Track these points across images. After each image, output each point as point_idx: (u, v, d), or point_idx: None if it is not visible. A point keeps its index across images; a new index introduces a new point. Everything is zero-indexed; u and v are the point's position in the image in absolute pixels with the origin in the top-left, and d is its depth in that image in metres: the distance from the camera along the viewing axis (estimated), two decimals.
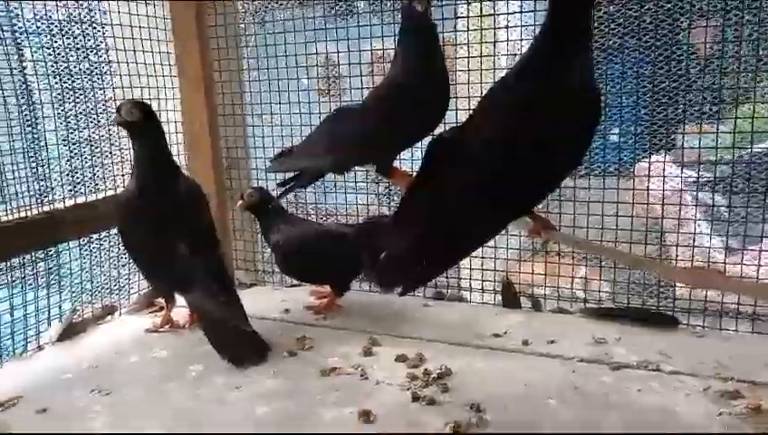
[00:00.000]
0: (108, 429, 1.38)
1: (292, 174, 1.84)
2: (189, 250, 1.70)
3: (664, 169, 1.80)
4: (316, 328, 1.88)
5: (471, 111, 1.43)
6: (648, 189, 1.84)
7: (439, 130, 1.77)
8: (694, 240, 1.78)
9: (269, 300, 2.14)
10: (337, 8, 2.71)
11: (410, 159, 1.98)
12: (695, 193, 2.12)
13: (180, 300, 1.86)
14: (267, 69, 2.22)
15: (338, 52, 2.12)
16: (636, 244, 1.80)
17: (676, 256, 1.86)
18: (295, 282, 2.20)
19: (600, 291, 1.89)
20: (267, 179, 2.27)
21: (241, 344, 1.66)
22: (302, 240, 1.90)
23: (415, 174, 1.67)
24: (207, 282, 1.69)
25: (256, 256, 2.38)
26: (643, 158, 2.33)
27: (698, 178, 2.07)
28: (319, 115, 2.12)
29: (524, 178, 1.27)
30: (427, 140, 1.85)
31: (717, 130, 1.78)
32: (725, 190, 1.85)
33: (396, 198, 2.55)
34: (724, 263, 1.78)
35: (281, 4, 2.65)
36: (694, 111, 2.05)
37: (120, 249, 2.09)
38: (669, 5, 2.00)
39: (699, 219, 1.92)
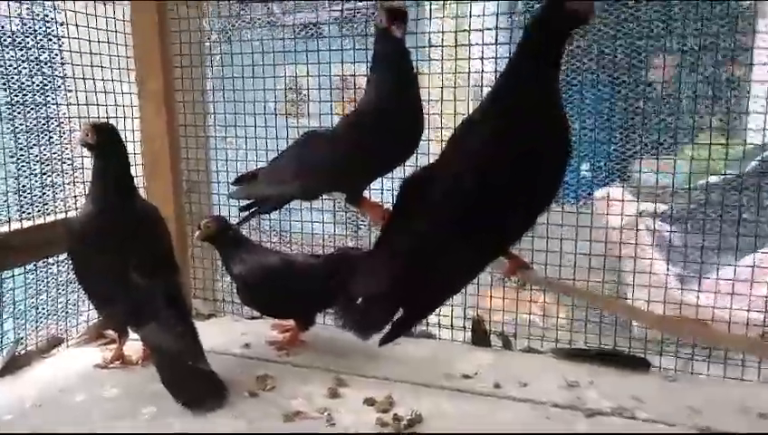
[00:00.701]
0: None
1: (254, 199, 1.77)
2: (145, 279, 1.59)
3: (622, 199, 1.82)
4: (278, 365, 1.79)
5: (442, 144, 1.41)
6: (607, 217, 1.84)
7: (411, 160, 1.75)
8: (651, 270, 1.81)
9: (228, 333, 2.04)
10: (305, 31, 2.67)
11: (381, 190, 1.93)
12: (651, 224, 2.16)
13: (133, 333, 1.74)
14: (233, 90, 2.14)
15: (307, 75, 2.07)
16: (594, 270, 1.79)
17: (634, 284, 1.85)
18: (257, 313, 2.10)
19: (572, 331, 1.85)
20: (229, 205, 2.17)
21: (197, 386, 1.55)
22: (264, 271, 1.80)
23: (389, 212, 1.64)
24: (163, 314, 1.58)
25: (216, 285, 2.27)
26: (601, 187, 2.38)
27: (655, 209, 2.11)
28: (286, 139, 2.04)
29: (501, 212, 1.23)
30: (397, 170, 1.84)
31: (675, 162, 1.80)
32: (680, 221, 1.88)
33: (361, 224, 2.50)
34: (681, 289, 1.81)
35: (249, 24, 2.59)
36: (648, 145, 2.10)
37: (68, 275, 1.96)
38: (626, 44, 2.04)
39: (657, 257, 1.94)
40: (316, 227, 2.19)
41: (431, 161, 1.77)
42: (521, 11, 2.19)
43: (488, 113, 1.35)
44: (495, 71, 1.89)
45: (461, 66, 1.89)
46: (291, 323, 1.95)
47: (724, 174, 1.80)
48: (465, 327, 1.93)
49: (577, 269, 1.80)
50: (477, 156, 1.28)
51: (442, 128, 1.88)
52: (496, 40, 1.84)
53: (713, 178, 1.85)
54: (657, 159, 1.94)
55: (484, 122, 1.34)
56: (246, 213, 1.72)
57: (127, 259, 1.60)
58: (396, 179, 1.90)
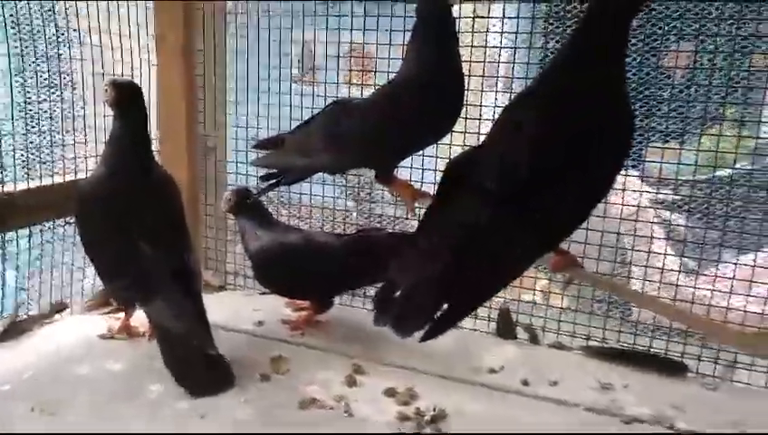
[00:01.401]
0: None
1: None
2: (153, 249, 1.47)
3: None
4: (293, 347, 1.69)
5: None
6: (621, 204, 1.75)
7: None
8: (648, 257, 1.72)
9: (240, 308, 1.94)
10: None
11: (410, 168, 1.82)
12: (659, 212, 2.08)
13: None
14: (247, 57, 2.02)
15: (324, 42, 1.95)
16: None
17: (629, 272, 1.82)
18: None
19: (604, 328, 1.75)
20: (247, 172, 2.07)
21: (202, 371, 1.44)
22: (283, 250, 1.70)
23: (419, 193, 1.53)
24: (169, 289, 1.46)
25: (228, 256, 2.17)
26: None
27: (656, 193, 2.04)
28: (301, 107, 1.94)
29: (556, 199, 1.12)
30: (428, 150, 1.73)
31: (680, 151, 1.76)
32: (686, 211, 1.80)
33: (368, 194, 2.37)
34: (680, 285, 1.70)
35: None
36: (659, 132, 2.03)
37: (75, 239, 1.86)
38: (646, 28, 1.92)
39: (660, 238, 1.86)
40: (326, 199, 2.09)
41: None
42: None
43: (540, 93, 1.23)
44: (515, 47, 1.78)
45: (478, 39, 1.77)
46: (305, 302, 1.86)
47: (732, 168, 1.73)
48: (489, 317, 1.83)
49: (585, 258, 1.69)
50: (528, 137, 1.17)
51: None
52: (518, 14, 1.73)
53: (722, 172, 1.79)
54: (664, 148, 1.86)
55: (535, 102, 1.22)
56: (267, 183, 1.60)
57: (136, 227, 1.49)
58: (427, 157, 1.81)
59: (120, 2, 1.90)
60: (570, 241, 1.64)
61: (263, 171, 1.67)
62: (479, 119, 1.75)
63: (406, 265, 1.16)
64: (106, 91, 1.49)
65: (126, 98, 1.49)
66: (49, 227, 1.81)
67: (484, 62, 1.77)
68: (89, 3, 1.86)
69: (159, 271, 1.47)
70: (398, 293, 1.14)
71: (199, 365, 1.45)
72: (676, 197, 2.18)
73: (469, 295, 1.12)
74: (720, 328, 1.34)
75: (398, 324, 1.13)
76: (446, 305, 1.11)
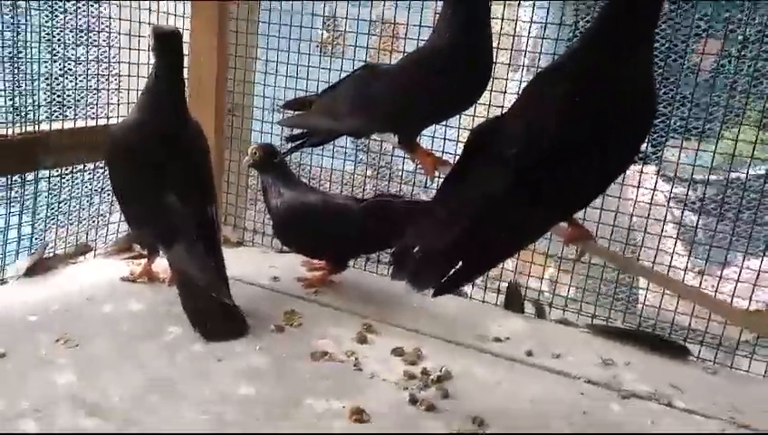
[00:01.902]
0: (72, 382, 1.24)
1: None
2: (181, 201, 1.51)
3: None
4: (306, 303, 1.75)
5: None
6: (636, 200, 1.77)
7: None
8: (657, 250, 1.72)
9: (257, 264, 1.99)
10: None
11: (431, 137, 1.85)
12: (672, 208, 2.09)
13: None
14: (279, 23, 2.04)
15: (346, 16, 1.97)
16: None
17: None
18: (286, 248, 2.05)
19: (611, 308, 1.79)
20: (272, 132, 2.11)
21: (217, 318, 1.50)
22: (302, 209, 1.74)
23: (454, 164, 1.56)
24: (192, 241, 1.50)
25: (247, 213, 2.22)
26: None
27: (670, 192, 2.04)
28: (328, 76, 1.96)
29: (574, 170, 1.15)
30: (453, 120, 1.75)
31: (698, 148, 1.76)
32: (702, 210, 1.81)
33: (381, 167, 2.39)
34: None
35: None
36: (680, 127, 2.02)
37: (102, 183, 1.92)
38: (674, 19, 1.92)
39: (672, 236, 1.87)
40: (337, 163, 2.12)
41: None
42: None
43: (567, 68, 1.25)
44: (543, 37, 1.79)
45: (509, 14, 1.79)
46: (321, 262, 1.91)
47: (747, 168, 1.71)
48: (499, 290, 1.87)
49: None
50: (553, 109, 1.19)
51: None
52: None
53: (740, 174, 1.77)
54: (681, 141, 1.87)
55: (561, 77, 1.24)
56: (293, 144, 1.64)
57: (166, 177, 1.53)
58: (450, 129, 1.84)
59: None
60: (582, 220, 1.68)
61: (286, 132, 1.71)
62: (504, 92, 1.77)
63: (423, 230, 1.19)
64: (149, 39, 1.51)
65: (166, 44, 1.51)
66: (78, 171, 1.87)
67: (513, 35, 1.79)
68: None
69: (185, 221, 1.52)
70: (415, 251, 1.18)
71: (215, 313, 1.51)
72: (692, 194, 2.19)
73: (483, 256, 1.16)
74: (724, 306, 1.37)
75: (415, 279, 1.17)
76: (460, 264, 1.15)
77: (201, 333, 1.48)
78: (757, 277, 1.64)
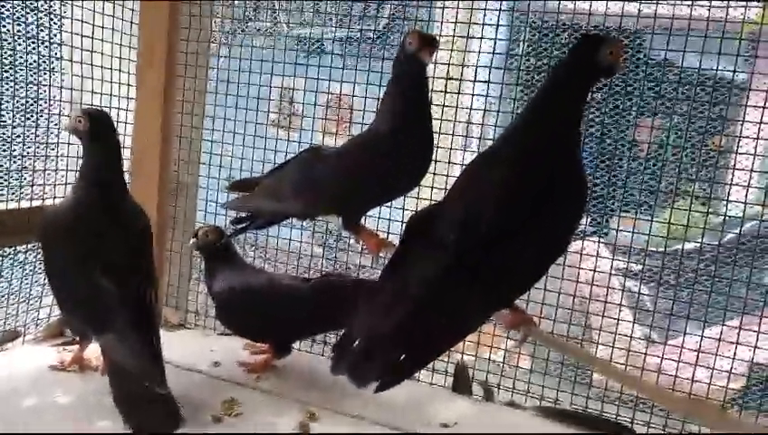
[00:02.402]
0: None
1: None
2: (114, 285, 1.45)
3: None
4: (247, 390, 1.68)
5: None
6: (579, 268, 1.83)
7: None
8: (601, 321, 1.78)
9: (197, 347, 1.92)
10: (307, 46, 2.62)
11: (377, 217, 1.86)
12: (623, 282, 2.14)
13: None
14: (227, 95, 2.06)
15: (304, 90, 2.01)
16: (560, 323, 1.78)
17: (598, 340, 1.83)
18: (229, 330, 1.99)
19: (558, 389, 1.78)
20: (216, 211, 2.08)
21: (150, 411, 1.42)
22: (247, 292, 1.70)
23: (384, 243, 1.56)
24: (125, 327, 1.43)
25: (190, 294, 2.16)
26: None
27: (626, 268, 2.11)
28: (274, 151, 1.99)
29: (512, 256, 1.16)
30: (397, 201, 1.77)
31: (651, 221, 1.83)
32: (652, 281, 1.86)
33: (336, 241, 2.39)
34: (645, 354, 1.76)
35: (255, 30, 2.52)
36: (630, 202, 2.10)
37: (34, 265, 1.84)
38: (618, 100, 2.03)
39: (624, 306, 1.91)
40: (293, 244, 2.10)
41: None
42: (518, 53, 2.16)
43: (503, 153, 1.29)
44: (485, 109, 1.86)
45: (450, 101, 1.84)
46: (264, 345, 1.85)
47: (701, 242, 1.78)
48: (446, 372, 1.85)
49: (542, 320, 1.74)
50: (489, 195, 1.22)
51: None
52: (489, 77, 1.81)
53: (689, 245, 1.84)
54: (635, 217, 1.94)
55: (497, 162, 1.28)
56: (238, 226, 1.62)
57: (99, 259, 1.47)
58: (396, 209, 1.85)
59: (103, 39, 1.92)
60: (527, 300, 1.69)
61: (231, 214, 1.69)
62: (447, 175, 1.80)
63: (364, 316, 1.18)
64: (79, 121, 1.48)
65: (100, 128, 1.49)
66: (10, 254, 1.79)
67: (454, 121, 1.84)
68: (73, 34, 1.89)
69: (117, 306, 1.45)
70: (356, 342, 1.15)
71: (148, 404, 1.42)
72: (637, 266, 2.27)
73: (425, 348, 1.14)
74: (665, 394, 1.37)
75: (355, 374, 1.14)
76: (402, 356, 1.12)
77: (132, 427, 1.40)
78: (699, 348, 1.67)
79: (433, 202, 1.45)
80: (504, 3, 2.05)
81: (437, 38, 1.45)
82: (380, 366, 1.12)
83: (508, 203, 1.19)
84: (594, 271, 1.80)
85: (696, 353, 1.67)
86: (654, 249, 1.91)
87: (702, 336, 1.70)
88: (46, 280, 1.68)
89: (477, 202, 1.21)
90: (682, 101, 1.84)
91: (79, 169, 1.53)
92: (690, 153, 1.93)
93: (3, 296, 1.81)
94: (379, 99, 1.66)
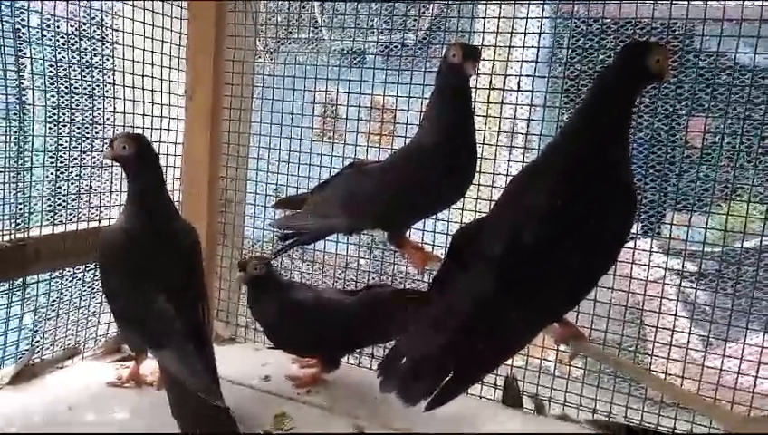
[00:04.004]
0: None
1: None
2: (170, 304, 1.49)
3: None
4: (297, 404, 1.70)
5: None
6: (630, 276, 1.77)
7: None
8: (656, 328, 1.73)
9: (248, 361, 1.96)
10: (349, 59, 2.65)
11: (422, 230, 1.86)
12: (677, 284, 2.07)
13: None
14: (271, 112, 2.10)
15: (347, 102, 2.01)
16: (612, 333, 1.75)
17: (653, 347, 1.76)
18: None
19: (612, 402, 1.73)
20: (264, 227, 2.13)
21: (208, 424, 1.44)
22: (291, 308, 1.72)
23: (430, 257, 1.56)
24: (183, 344, 1.47)
25: (240, 309, 2.20)
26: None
27: (682, 269, 2.04)
28: (319, 164, 2.01)
29: (560, 270, 1.14)
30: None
31: (707, 222, 1.77)
32: (708, 285, 1.79)
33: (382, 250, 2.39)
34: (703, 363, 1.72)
35: (297, 46, 2.56)
36: (682, 201, 2.04)
37: (93, 284, 1.91)
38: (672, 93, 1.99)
39: (680, 314, 1.84)
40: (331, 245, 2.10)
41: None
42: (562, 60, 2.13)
43: (548, 165, 1.28)
44: (529, 118, 1.83)
45: (494, 111, 1.82)
46: (313, 359, 1.87)
47: (762, 237, 1.69)
48: (496, 385, 1.82)
49: (596, 319, 1.72)
50: (535, 209, 1.20)
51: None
52: (533, 86, 1.79)
53: (748, 243, 1.78)
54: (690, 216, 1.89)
55: (543, 174, 1.26)
56: (285, 244, 1.65)
57: (156, 280, 1.52)
58: (441, 221, 1.84)
59: (153, 63, 1.98)
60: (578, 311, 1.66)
61: (278, 231, 1.71)
62: (491, 186, 1.79)
63: (412, 333, 1.18)
64: (123, 147, 1.53)
65: (144, 151, 1.55)
66: (69, 272, 1.86)
67: (498, 131, 1.83)
68: (125, 59, 1.96)
69: (172, 322, 1.49)
70: (404, 359, 1.15)
71: (206, 418, 1.45)
72: (694, 268, 2.20)
73: (474, 366, 1.13)
74: (719, 411, 1.32)
75: (404, 392, 1.14)
76: (451, 374, 1.12)
77: None
78: (761, 355, 1.61)
79: (478, 214, 1.44)
80: (546, 7, 2.03)
81: (480, 49, 1.44)
82: (429, 384, 1.12)
83: (554, 215, 1.18)
84: (648, 271, 1.75)
85: (757, 358, 1.62)
86: (710, 247, 1.85)
87: (764, 340, 1.64)
88: (104, 298, 1.75)
89: (523, 215, 1.20)
90: (736, 95, 1.79)
91: (128, 192, 1.58)
92: (746, 147, 1.86)
93: (63, 314, 1.87)
94: (421, 111, 1.67)
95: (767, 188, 1.82)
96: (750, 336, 1.71)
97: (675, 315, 1.77)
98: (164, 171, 1.65)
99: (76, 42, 1.94)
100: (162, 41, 2.00)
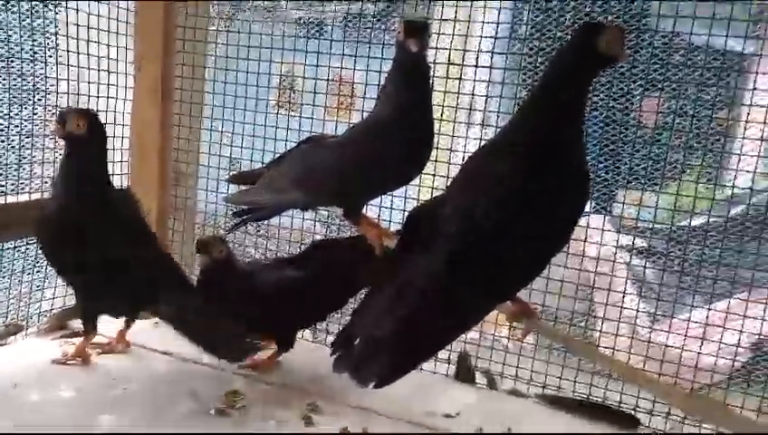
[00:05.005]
0: None
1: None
2: (151, 256, 1.63)
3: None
4: (249, 381, 1.68)
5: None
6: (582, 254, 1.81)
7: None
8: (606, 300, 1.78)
9: None
10: (307, 29, 2.59)
11: (378, 206, 1.85)
12: (627, 262, 2.13)
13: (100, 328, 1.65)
14: (225, 82, 2.04)
15: (303, 74, 2.00)
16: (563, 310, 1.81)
17: (603, 323, 1.82)
18: None
19: (561, 377, 1.77)
20: (217, 202, 2.08)
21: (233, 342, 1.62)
22: (251, 293, 1.68)
23: (385, 233, 1.55)
24: (174, 285, 1.64)
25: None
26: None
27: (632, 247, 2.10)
28: (274, 137, 1.98)
29: (513, 251, 1.15)
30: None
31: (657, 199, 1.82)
32: (656, 263, 1.86)
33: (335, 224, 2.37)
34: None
35: (253, 14, 2.49)
36: (634, 180, 2.10)
37: (36, 260, 1.84)
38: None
39: (629, 292, 1.91)
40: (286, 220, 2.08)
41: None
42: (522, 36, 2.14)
43: (503, 147, 1.27)
44: (487, 95, 1.83)
45: (452, 87, 1.82)
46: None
47: (709, 215, 1.78)
48: (449, 360, 1.84)
49: (548, 295, 1.77)
50: (490, 189, 1.20)
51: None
52: (491, 62, 1.79)
53: (695, 221, 1.83)
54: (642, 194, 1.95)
55: (498, 155, 1.26)
56: (239, 220, 1.61)
57: (120, 243, 1.55)
58: (397, 197, 1.83)
59: (100, 27, 1.90)
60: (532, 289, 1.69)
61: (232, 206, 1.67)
62: (448, 163, 1.78)
63: (364, 313, 1.17)
64: (78, 125, 1.48)
65: (97, 130, 1.52)
66: (11, 246, 1.79)
67: (456, 107, 1.82)
68: (69, 24, 1.86)
69: (162, 273, 1.63)
70: (356, 340, 1.15)
71: (225, 334, 1.62)
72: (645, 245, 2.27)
73: (427, 344, 1.14)
74: (665, 388, 1.36)
75: (357, 372, 1.13)
76: (403, 353, 1.12)
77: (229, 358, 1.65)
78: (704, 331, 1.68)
79: (435, 190, 1.43)
80: None
81: (428, 23, 1.42)
82: (382, 365, 1.11)
83: (509, 195, 1.18)
84: (599, 249, 1.79)
85: (702, 328, 1.68)
86: (660, 225, 1.90)
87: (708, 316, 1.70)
88: (49, 273, 1.69)
89: (478, 195, 1.20)
90: (689, 76, 1.83)
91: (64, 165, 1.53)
92: (696, 127, 1.91)
93: (4, 290, 1.80)
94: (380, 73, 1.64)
95: (716, 168, 1.86)
96: (694, 313, 1.77)
97: (623, 293, 1.83)
98: (111, 142, 1.60)
99: (17, 2, 1.84)
100: (109, 3, 1.91)
